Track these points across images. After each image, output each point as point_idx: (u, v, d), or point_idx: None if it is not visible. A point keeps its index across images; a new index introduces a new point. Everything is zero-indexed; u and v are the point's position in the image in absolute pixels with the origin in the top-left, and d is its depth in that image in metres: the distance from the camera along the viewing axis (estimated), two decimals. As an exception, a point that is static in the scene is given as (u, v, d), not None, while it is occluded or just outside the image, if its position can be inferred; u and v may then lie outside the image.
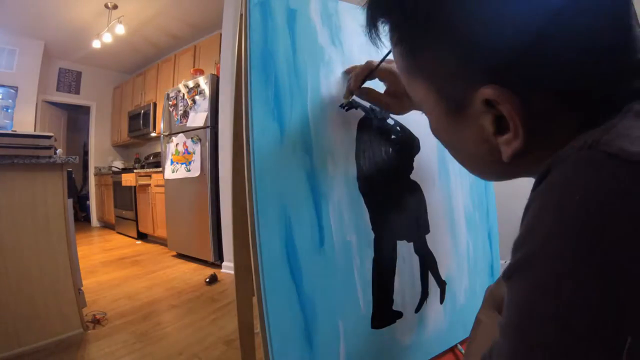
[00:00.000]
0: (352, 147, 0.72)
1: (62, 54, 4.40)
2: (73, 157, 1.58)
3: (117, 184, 4.27)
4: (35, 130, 3.93)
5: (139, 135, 4.56)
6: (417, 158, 0.85)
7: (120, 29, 3.50)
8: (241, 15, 0.64)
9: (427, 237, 0.83)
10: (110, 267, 2.77)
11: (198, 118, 2.80)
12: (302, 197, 0.63)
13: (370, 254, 0.71)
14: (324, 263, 0.64)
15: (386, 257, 0.73)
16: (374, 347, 0.69)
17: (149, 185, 3.65)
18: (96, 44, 3.77)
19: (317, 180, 0.65)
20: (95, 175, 5.03)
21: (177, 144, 2.98)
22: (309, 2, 0.72)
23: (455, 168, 0.95)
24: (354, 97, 0.67)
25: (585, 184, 0.21)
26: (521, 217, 0.25)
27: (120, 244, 3.82)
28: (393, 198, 0.77)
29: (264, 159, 0.60)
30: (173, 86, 3.68)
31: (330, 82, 0.71)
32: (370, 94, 0.62)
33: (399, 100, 0.61)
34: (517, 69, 0.26)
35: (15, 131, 1.51)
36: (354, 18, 0.81)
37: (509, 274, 0.23)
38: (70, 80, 4.75)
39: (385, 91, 0.63)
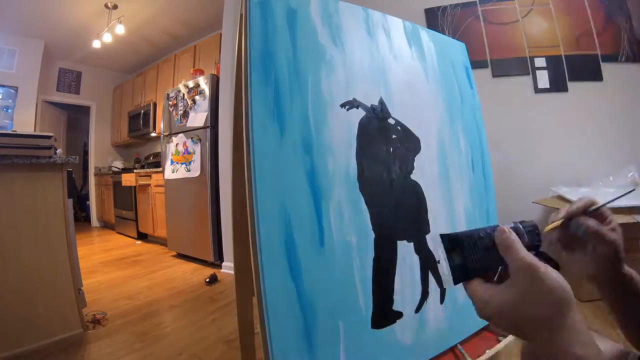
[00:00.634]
0: (352, 147, 0.72)
1: (62, 54, 4.40)
2: (73, 157, 1.58)
3: (117, 184, 4.27)
4: (35, 130, 3.93)
5: (139, 135, 4.55)
6: (417, 158, 0.85)
7: (120, 29, 3.50)
8: (241, 15, 0.64)
9: (427, 237, 0.83)
10: (110, 267, 2.77)
11: (198, 118, 2.80)
12: (302, 197, 0.63)
13: (370, 254, 0.71)
14: (324, 263, 0.64)
15: (386, 257, 0.73)
16: (374, 347, 0.69)
17: (149, 185, 3.65)
18: (96, 44, 3.78)
19: (317, 180, 0.65)
20: (95, 175, 5.03)
21: (177, 144, 2.98)
22: (309, 2, 0.71)
23: (455, 168, 0.95)
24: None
25: None
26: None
27: (120, 244, 3.82)
28: (393, 198, 0.77)
29: (264, 159, 0.59)
30: (173, 86, 3.68)
31: (331, 81, 0.71)
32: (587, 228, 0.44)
33: (578, 258, 0.47)
34: None
35: (15, 131, 1.51)
36: (355, 18, 0.81)
37: None
38: (70, 80, 4.75)
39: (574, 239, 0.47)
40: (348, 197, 0.69)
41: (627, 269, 0.44)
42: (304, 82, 0.67)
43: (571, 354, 0.27)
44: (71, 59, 4.58)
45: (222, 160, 2.61)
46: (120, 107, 5.04)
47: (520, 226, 0.36)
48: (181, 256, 3.09)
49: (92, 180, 5.10)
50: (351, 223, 0.68)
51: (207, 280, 2.30)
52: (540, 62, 2.18)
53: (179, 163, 2.94)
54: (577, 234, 0.45)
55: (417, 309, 0.78)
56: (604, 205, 0.44)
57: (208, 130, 2.71)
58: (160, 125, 3.27)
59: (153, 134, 4.30)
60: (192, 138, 2.82)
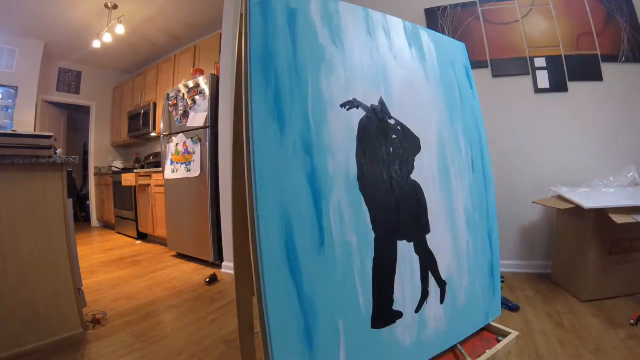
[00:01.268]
0: (352, 147, 0.72)
1: (62, 54, 4.40)
2: (73, 157, 1.58)
3: (117, 184, 4.27)
4: (35, 130, 3.93)
5: (139, 135, 4.55)
6: (417, 158, 0.85)
7: (120, 29, 3.51)
8: (241, 15, 0.64)
9: (428, 237, 0.83)
10: (110, 267, 2.77)
11: (198, 118, 2.80)
12: (303, 197, 0.63)
13: (370, 254, 0.71)
14: (324, 263, 0.64)
15: (386, 257, 0.73)
16: (374, 347, 0.69)
17: (149, 185, 3.65)
18: (96, 44, 3.78)
19: (317, 180, 0.65)
20: (95, 175, 5.03)
21: (177, 144, 2.98)
22: (310, 2, 0.72)
23: (455, 168, 0.95)
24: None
25: None
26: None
27: (120, 244, 3.82)
28: (393, 198, 0.77)
29: (264, 159, 0.59)
30: (173, 86, 3.68)
31: (331, 81, 0.71)
32: None
33: None
34: None
35: (15, 131, 1.51)
36: (355, 18, 0.81)
37: None
38: (70, 80, 4.75)
39: None
40: (348, 197, 0.69)
41: None
42: (304, 82, 0.67)
43: None
44: (71, 59, 4.58)
45: (222, 160, 2.61)
46: (120, 107, 5.04)
47: None
48: (181, 256, 3.09)
49: (92, 180, 5.10)
50: (351, 223, 0.68)
51: (207, 280, 2.30)
52: (540, 62, 2.18)
53: (179, 163, 2.95)
54: None
55: (417, 309, 0.78)
56: None
57: (208, 130, 2.71)
58: (160, 125, 3.27)
59: (153, 134, 4.30)
60: (192, 138, 2.82)
